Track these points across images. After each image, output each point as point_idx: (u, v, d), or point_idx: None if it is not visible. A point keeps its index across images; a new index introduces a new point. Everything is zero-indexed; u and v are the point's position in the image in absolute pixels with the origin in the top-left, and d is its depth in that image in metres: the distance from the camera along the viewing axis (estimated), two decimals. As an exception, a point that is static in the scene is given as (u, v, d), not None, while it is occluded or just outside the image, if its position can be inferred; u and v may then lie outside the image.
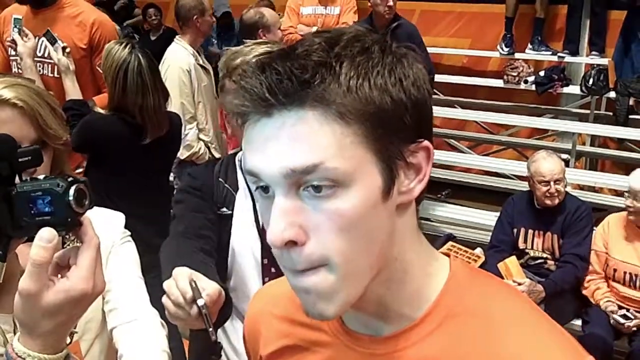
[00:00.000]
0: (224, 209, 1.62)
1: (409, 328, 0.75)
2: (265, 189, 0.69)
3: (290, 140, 0.65)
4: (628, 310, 3.30)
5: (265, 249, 1.60)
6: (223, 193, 1.63)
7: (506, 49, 5.93)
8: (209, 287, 1.16)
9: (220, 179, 1.64)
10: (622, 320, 3.26)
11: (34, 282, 0.78)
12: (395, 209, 0.70)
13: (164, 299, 1.17)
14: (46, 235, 0.79)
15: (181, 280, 1.15)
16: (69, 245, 0.90)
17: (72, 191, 0.80)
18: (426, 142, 0.70)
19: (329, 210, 0.65)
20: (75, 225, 0.82)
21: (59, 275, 0.82)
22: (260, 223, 1.60)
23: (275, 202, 0.66)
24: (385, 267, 0.72)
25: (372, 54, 0.67)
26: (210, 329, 1.12)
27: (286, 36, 4.68)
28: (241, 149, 1.64)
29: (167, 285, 1.17)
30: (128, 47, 2.67)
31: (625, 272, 3.35)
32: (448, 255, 0.80)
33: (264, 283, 1.59)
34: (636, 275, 3.32)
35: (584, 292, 3.48)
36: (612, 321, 3.29)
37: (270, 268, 1.60)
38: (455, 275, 0.77)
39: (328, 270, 0.67)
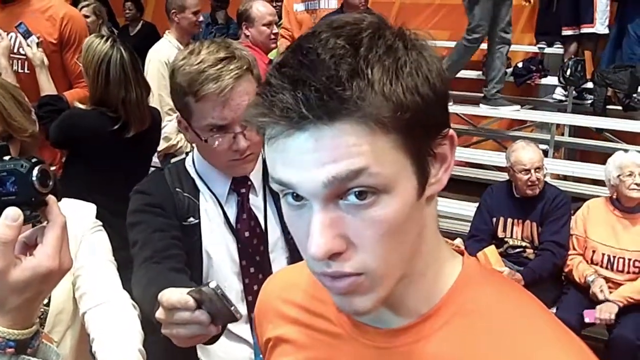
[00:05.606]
0: (191, 219, 1.55)
1: (417, 323, 0.74)
2: (297, 196, 0.67)
3: (330, 151, 0.62)
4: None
5: (242, 250, 1.56)
6: (185, 203, 1.55)
7: None
8: None
9: (177, 189, 1.56)
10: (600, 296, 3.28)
11: (0, 260, 0.80)
12: (424, 201, 0.70)
13: (158, 314, 1.07)
14: (11, 214, 0.81)
15: (174, 295, 1.04)
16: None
17: (35, 171, 0.82)
18: (451, 131, 0.69)
19: (370, 219, 0.64)
20: (40, 204, 0.84)
21: (27, 254, 0.84)
22: (234, 224, 1.56)
23: (315, 217, 0.65)
24: (411, 262, 0.71)
25: (397, 51, 0.64)
26: (233, 307, 1.02)
27: (280, 37, 4.36)
28: (187, 155, 1.60)
29: (162, 308, 1.05)
30: (109, 40, 2.64)
31: (603, 254, 3.41)
32: (462, 253, 0.80)
33: (244, 285, 1.56)
34: (614, 257, 3.38)
35: (566, 270, 3.50)
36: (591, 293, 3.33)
37: (249, 269, 1.56)
38: (467, 272, 0.76)
39: (364, 276, 0.67)
